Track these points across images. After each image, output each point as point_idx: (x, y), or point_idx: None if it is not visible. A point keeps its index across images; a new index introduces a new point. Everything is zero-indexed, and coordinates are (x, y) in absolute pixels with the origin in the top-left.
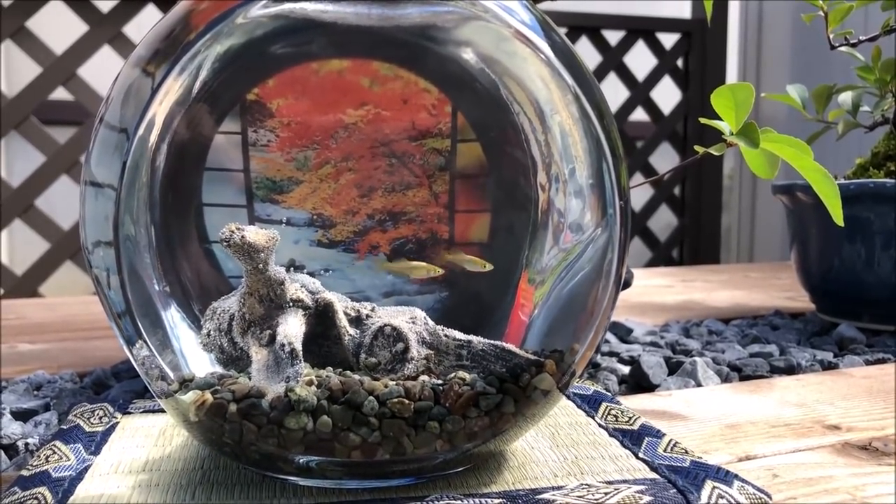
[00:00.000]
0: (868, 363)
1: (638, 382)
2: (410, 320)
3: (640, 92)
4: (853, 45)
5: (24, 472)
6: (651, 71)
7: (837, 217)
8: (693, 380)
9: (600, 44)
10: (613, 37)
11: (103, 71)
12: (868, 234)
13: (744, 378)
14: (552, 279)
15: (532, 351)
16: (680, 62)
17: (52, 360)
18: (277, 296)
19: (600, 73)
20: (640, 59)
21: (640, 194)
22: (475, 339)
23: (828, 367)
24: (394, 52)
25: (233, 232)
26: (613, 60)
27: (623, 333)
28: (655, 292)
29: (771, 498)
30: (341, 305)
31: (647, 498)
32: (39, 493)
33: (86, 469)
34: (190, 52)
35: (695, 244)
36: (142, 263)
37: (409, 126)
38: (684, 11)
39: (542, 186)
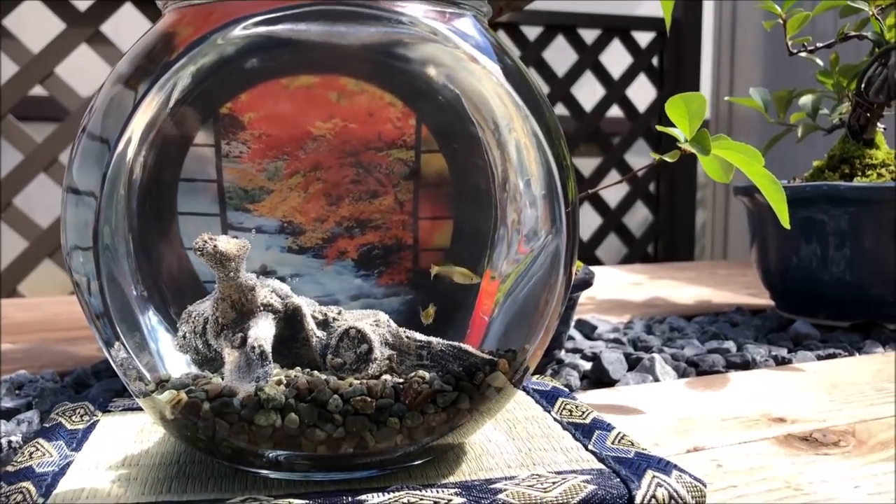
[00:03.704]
0: (819, 358)
1: (599, 378)
2: (374, 323)
3: (615, 90)
4: (811, 52)
5: (10, 468)
6: (626, 69)
7: (784, 220)
8: (651, 375)
9: (576, 42)
10: (589, 35)
11: (81, 69)
12: (822, 235)
13: (700, 373)
14: (510, 283)
15: (488, 351)
16: (655, 61)
17: (33, 359)
18: (248, 301)
19: (576, 71)
20: (616, 58)
21: (616, 191)
22: (435, 340)
23: (781, 362)
24: (359, 67)
25: (205, 242)
26: (589, 59)
27: (588, 331)
28: (624, 290)
29: (706, 486)
30: (309, 309)
31: (591, 487)
32: (24, 487)
33: (68, 464)
34: (170, 71)
35: (669, 241)
36: (120, 270)
37: (374, 138)
38: (659, 10)
39: (500, 197)
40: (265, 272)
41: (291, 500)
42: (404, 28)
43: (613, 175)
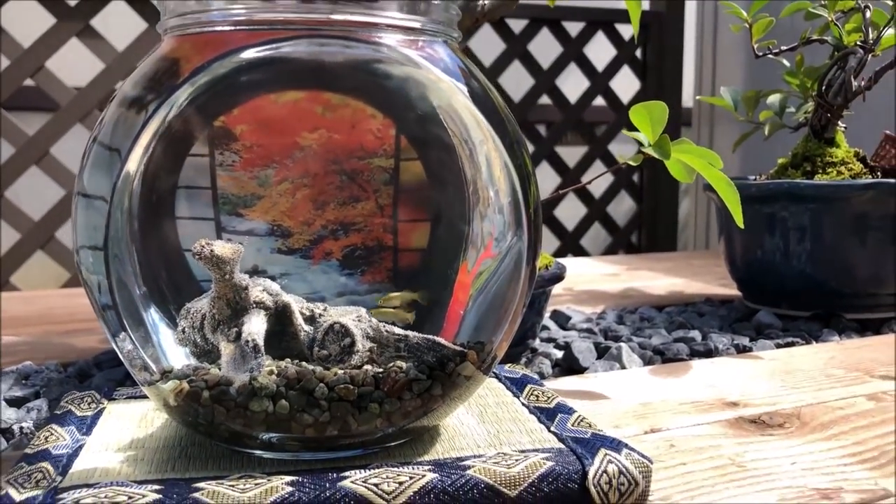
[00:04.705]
0: (779, 346)
1: (570, 366)
2: (357, 318)
3: (599, 82)
4: (776, 55)
5: (28, 451)
6: (610, 61)
7: (738, 220)
8: (618, 363)
9: (561, 35)
10: (574, 28)
11: (72, 63)
12: (784, 230)
13: (666, 361)
14: (481, 282)
15: (459, 343)
16: (639, 53)
17: (37, 351)
18: (242, 299)
19: (561, 63)
20: (600, 50)
21: (601, 181)
22: (411, 333)
23: (742, 350)
24: (342, 83)
25: (203, 246)
26: (574, 51)
27: (562, 321)
28: (600, 281)
29: (652, 462)
30: (297, 306)
31: (549, 463)
32: (43, 466)
33: (80, 447)
34: (171, 91)
35: (653, 230)
36: (125, 271)
37: (357, 147)
38: (645, 3)
39: (473, 203)
40: (257, 272)
41: (283, 477)
42: (382, 54)
43: (598, 164)
